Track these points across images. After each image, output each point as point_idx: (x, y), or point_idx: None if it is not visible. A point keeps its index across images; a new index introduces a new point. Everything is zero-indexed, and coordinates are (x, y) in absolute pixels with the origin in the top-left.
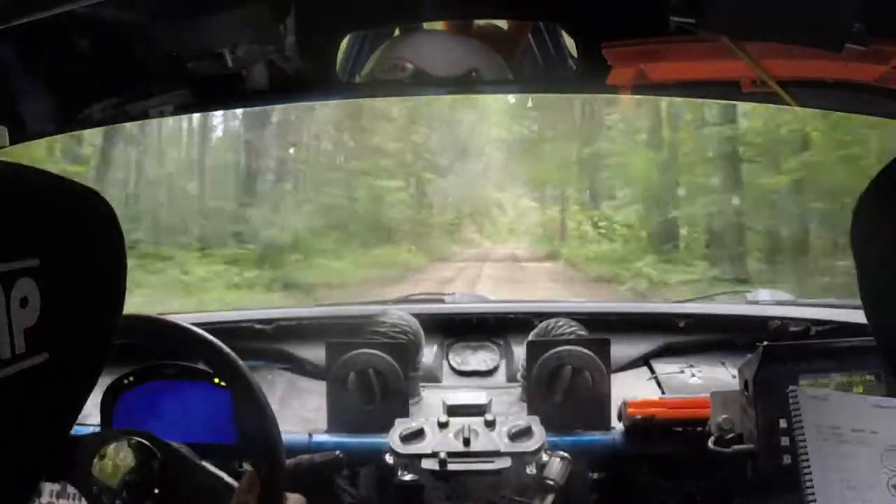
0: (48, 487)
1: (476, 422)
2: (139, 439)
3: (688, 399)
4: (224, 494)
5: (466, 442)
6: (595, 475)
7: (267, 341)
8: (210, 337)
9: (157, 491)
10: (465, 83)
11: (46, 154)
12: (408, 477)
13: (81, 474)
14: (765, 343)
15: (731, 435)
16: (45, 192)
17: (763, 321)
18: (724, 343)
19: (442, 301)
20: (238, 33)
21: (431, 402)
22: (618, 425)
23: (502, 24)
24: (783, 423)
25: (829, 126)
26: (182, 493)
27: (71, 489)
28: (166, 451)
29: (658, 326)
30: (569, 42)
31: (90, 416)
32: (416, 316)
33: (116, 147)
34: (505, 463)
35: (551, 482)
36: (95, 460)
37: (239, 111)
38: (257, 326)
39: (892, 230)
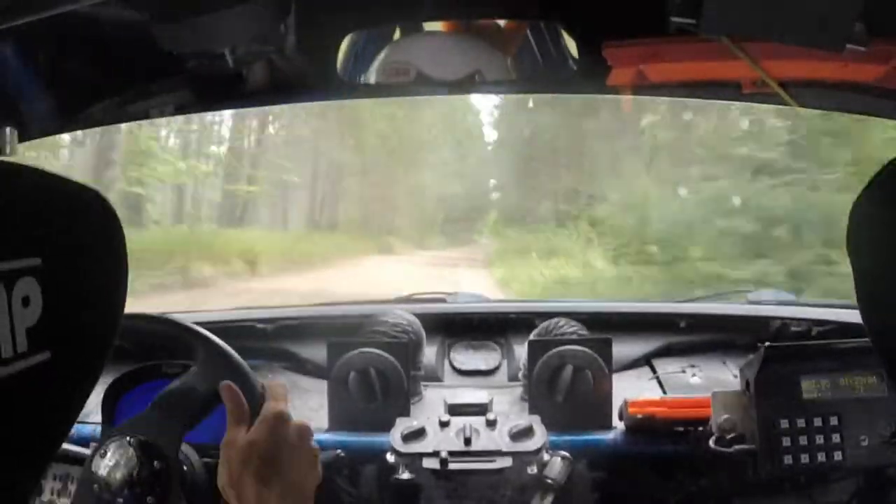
0: (49, 485)
1: (477, 421)
2: (139, 437)
3: (689, 399)
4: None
5: (468, 441)
6: (596, 475)
7: (267, 340)
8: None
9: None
10: (467, 84)
11: None
12: (407, 476)
13: (82, 474)
14: (766, 343)
15: (732, 435)
16: (47, 191)
17: (765, 321)
18: (725, 343)
19: (443, 300)
20: (238, 33)
21: (433, 401)
22: (619, 425)
23: (500, 21)
24: (784, 424)
25: None
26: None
27: (72, 487)
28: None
29: (659, 326)
30: (569, 42)
31: (91, 414)
32: (418, 315)
33: None
34: (506, 462)
35: (552, 482)
36: (96, 459)
37: None
38: (258, 325)
39: (888, 232)
